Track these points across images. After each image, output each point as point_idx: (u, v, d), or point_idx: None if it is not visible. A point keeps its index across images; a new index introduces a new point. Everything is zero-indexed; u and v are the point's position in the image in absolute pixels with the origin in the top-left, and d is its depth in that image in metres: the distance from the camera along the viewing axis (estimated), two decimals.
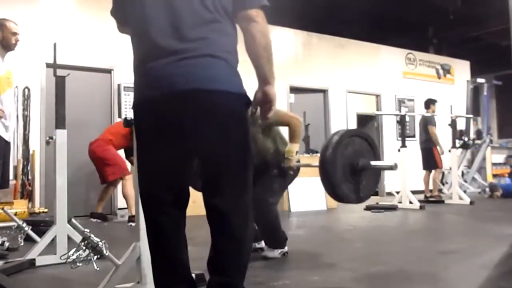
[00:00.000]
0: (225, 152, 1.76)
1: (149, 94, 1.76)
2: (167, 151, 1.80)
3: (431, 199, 8.03)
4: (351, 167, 2.75)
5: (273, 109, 1.86)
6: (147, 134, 1.84)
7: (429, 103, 8.47)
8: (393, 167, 2.89)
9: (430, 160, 8.11)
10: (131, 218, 5.43)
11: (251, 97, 1.84)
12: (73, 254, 2.31)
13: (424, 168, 8.31)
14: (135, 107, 1.85)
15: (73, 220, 2.59)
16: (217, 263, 1.77)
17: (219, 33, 1.75)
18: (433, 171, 8.23)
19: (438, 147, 8.09)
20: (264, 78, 1.80)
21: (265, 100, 1.83)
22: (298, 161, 3.45)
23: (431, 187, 8.37)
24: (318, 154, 8.28)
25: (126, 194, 5.65)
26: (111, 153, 5.69)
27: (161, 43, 1.73)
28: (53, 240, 3.27)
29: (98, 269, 2.26)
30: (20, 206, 5.44)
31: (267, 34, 1.76)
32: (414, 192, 7.24)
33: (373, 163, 2.82)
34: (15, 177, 6.02)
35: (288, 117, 3.32)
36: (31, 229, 3.59)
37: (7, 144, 3.59)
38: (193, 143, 1.77)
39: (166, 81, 1.71)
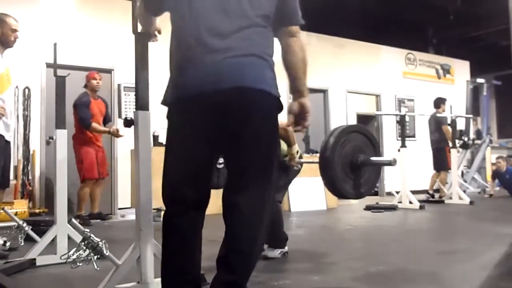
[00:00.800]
0: (257, 151, 1.80)
1: (194, 90, 1.76)
2: (202, 148, 1.80)
3: (433, 199, 8.03)
4: (351, 164, 2.75)
5: (309, 120, 1.91)
6: (185, 132, 1.82)
7: (440, 102, 8.34)
8: (392, 163, 2.88)
9: (443, 161, 7.98)
10: (82, 217, 5.44)
11: None
12: (73, 254, 2.31)
13: (435, 168, 8.24)
14: (174, 104, 1.83)
15: (73, 220, 2.59)
16: (229, 262, 1.77)
17: (263, 36, 1.82)
18: (443, 172, 8.16)
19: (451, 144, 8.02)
20: (301, 90, 1.87)
21: (302, 111, 1.87)
22: (301, 157, 3.49)
23: (436, 186, 8.34)
24: (318, 154, 8.22)
25: (78, 194, 5.60)
26: (78, 152, 5.59)
27: (208, 40, 1.75)
28: (53, 240, 3.28)
29: (98, 269, 2.27)
30: (20, 206, 5.45)
31: (305, 48, 1.89)
32: (414, 192, 7.25)
33: (372, 159, 2.82)
34: (16, 177, 6.02)
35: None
36: (31, 229, 3.59)
37: (7, 143, 3.59)
38: (230, 139, 1.80)
39: (213, 79, 1.73)
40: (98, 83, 5.66)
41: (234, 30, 1.76)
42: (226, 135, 1.79)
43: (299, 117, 1.88)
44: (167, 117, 1.89)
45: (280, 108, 1.86)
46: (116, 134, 5.66)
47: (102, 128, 5.64)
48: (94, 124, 5.53)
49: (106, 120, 5.88)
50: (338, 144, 2.74)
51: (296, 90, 1.88)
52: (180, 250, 1.83)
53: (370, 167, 2.85)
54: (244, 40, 1.76)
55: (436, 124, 8.16)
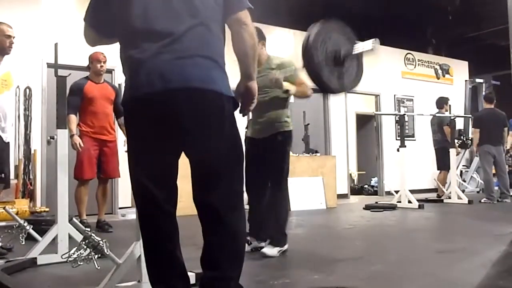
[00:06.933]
0: (219, 150, 1.81)
1: (142, 91, 1.77)
2: (160, 147, 1.82)
3: (432, 198, 8.05)
4: (333, 56, 2.74)
5: (254, 103, 1.96)
6: (140, 131, 1.85)
7: (443, 102, 8.35)
8: (373, 47, 2.87)
9: (444, 161, 7.97)
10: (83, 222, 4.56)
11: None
12: (74, 253, 2.33)
13: (439, 168, 8.25)
14: (126, 104, 1.85)
15: (74, 219, 2.61)
16: (211, 258, 1.79)
17: (211, 36, 1.83)
18: (443, 172, 8.17)
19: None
20: (249, 74, 1.92)
21: (248, 94, 1.93)
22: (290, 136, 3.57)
23: (435, 185, 8.35)
24: (318, 154, 8.22)
25: (75, 197, 4.86)
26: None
27: (154, 42, 1.75)
28: (54, 239, 3.29)
29: (99, 268, 2.29)
30: (21, 205, 5.45)
31: (254, 35, 1.88)
32: (413, 192, 7.27)
33: (354, 50, 2.82)
34: (17, 176, 6.03)
35: (300, 82, 3.46)
36: (33, 228, 3.60)
37: (5, 144, 3.61)
38: (187, 140, 1.81)
39: (161, 79, 1.73)
40: (102, 66, 4.95)
41: (181, 31, 1.76)
42: (181, 135, 1.80)
43: (245, 99, 1.94)
44: (124, 118, 1.93)
45: (234, 106, 1.88)
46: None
47: (71, 126, 4.62)
48: (71, 117, 4.62)
49: (117, 112, 4.99)
50: (319, 41, 2.72)
51: (245, 74, 1.92)
52: (164, 246, 1.86)
53: (352, 62, 2.84)
54: (192, 41, 1.77)
55: (439, 124, 8.16)
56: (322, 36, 2.71)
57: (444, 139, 8.04)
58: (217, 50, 1.85)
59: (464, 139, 8.88)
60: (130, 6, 1.81)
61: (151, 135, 1.81)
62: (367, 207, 6.91)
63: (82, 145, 4.69)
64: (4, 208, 4.03)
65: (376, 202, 7.36)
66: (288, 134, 3.55)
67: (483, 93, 10.79)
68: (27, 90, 6.31)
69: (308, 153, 7.46)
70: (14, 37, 3.64)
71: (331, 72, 2.74)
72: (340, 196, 8.30)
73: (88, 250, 2.34)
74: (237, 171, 1.88)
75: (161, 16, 1.78)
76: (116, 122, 5.18)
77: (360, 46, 2.86)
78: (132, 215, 5.41)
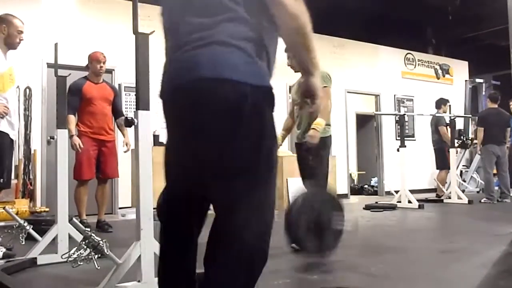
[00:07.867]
0: (228, 151, 1.44)
1: (161, 90, 1.63)
2: (178, 155, 1.64)
3: (432, 198, 8.06)
4: (314, 225, 2.96)
5: (317, 104, 1.62)
6: (167, 135, 1.71)
7: (441, 103, 8.41)
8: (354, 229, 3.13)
9: (443, 160, 8.00)
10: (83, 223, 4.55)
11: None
12: (74, 253, 2.33)
13: (438, 167, 8.28)
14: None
15: (74, 219, 2.61)
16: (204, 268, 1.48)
17: (232, 19, 1.48)
18: (443, 171, 8.20)
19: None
20: (305, 68, 1.57)
21: (306, 92, 1.61)
22: (326, 142, 3.65)
23: (435, 185, 8.37)
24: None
25: (74, 198, 4.87)
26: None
27: (174, 37, 1.62)
28: (54, 239, 3.30)
29: (99, 268, 2.29)
30: (21, 205, 5.46)
31: (298, 15, 1.45)
32: (413, 192, 7.27)
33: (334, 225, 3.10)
34: (17, 176, 6.03)
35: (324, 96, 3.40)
36: (33, 228, 3.60)
37: (12, 142, 3.61)
38: (193, 140, 1.52)
39: (173, 74, 1.56)
40: (101, 66, 4.87)
41: (201, 21, 1.50)
42: (190, 136, 1.51)
43: (309, 98, 1.62)
44: None
45: (265, 98, 1.48)
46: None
47: (70, 127, 4.57)
48: (70, 117, 4.56)
49: (116, 112, 5.03)
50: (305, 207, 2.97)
51: (301, 68, 1.60)
52: (178, 256, 1.73)
53: (332, 232, 3.06)
54: (210, 31, 1.47)
55: (436, 125, 8.21)
56: (306, 207, 2.97)
57: (441, 139, 8.07)
58: (238, 32, 1.46)
59: (464, 139, 8.88)
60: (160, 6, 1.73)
61: (171, 141, 1.65)
62: (367, 207, 6.92)
63: (81, 145, 4.70)
64: (4, 208, 4.03)
65: (376, 202, 7.36)
66: (323, 140, 3.59)
67: (483, 93, 10.80)
68: (27, 90, 6.32)
69: None
70: (23, 33, 3.65)
71: (310, 237, 2.92)
72: (340, 196, 8.28)
73: (88, 250, 2.34)
74: (255, 191, 1.45)
75: (181, 12, 1.58)
76: (114, 122, 5.17)
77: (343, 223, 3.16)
78: (132, 215, 5.41)
